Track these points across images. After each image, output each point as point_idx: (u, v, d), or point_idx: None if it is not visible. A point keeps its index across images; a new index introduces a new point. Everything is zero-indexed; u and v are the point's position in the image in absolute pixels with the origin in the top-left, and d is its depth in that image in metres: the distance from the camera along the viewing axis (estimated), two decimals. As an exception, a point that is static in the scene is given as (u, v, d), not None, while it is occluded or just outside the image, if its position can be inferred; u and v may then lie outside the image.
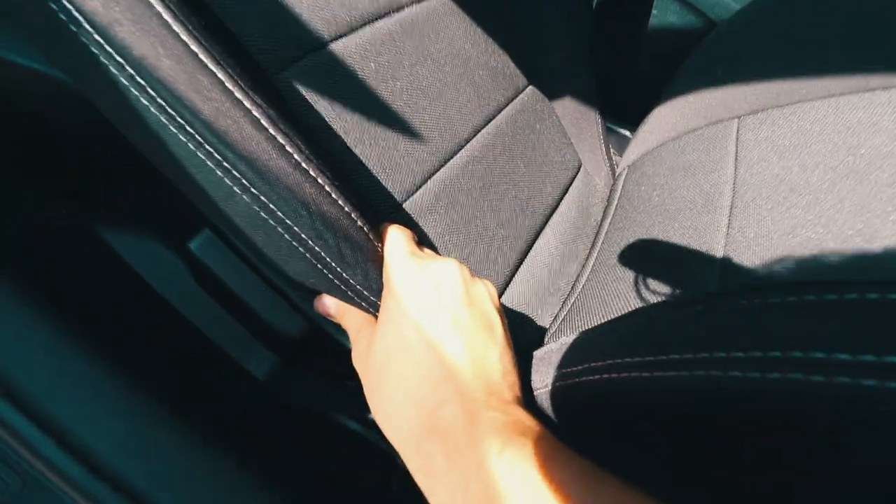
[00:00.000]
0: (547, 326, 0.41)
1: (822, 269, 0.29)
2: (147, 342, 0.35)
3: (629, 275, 0.37)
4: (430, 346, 0.22)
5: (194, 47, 0.20)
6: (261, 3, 0.30)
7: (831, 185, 0.34)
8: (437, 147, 0.39)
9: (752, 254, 0.32)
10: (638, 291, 0.34)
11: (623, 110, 0.56)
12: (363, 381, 0.24)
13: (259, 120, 0.21)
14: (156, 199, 0.31)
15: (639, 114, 0.55)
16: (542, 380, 0.29)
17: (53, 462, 0.26)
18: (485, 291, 0.26)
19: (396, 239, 0.26)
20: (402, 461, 0.22)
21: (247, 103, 0.21)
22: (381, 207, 0.34)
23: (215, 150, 0.20)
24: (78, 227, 0.34)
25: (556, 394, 0.27)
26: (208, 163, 0.21)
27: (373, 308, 0.26)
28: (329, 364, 0.32)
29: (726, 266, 0.32)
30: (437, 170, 0.38)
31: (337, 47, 0.34)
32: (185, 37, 0.20)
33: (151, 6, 0.19)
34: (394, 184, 0.35)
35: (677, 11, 0.52)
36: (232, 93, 0.21)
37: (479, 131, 0.43)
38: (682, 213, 0.40)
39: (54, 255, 0.35)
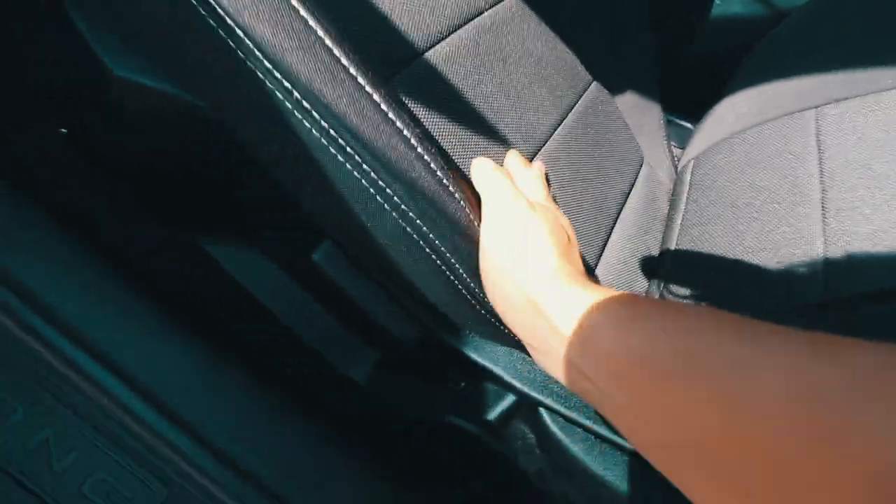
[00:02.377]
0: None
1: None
2: (251, 344, 0.36)
3: (724, 276, 0.38)
4: (523, 238, 0.24)
5: (353, 71, 0.21)
6: (366, 18, 0.31)
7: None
8: (521, 149, 0.39)
9: (854, 251, 0.32)
10: (746, 292, 0.34)
11: (684, 102, 0.56)
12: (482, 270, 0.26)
13: (409, 139, 0.22)
14: (270, 219, 0.32)
15: (698, 106, 0.55)
16: None
17: (199, 465, 0.28)
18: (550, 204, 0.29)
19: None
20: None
21: (398, 123, 0.22)
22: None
23: (372, 169, 0.21)
24: (188, 242, 0.35)
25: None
26: (363, 181, 0.22)
27: (497, 321, 0.27)
28: (436, 367, 0.33)
29: (831, 264, 0.32)
30: (522, 172, 0.39)
31: (430, 56, 0.34)
32: (345, 61, 0.21)
33: (315, 32, 0.20)
34: (487, 188, 0.36)
35: (741, 2, 0.51)
36: (386, 114, 0.21)
37: (554, 130, 0.43)
38: (768, 207, 0.40)
39: (168, 266, 0.36)
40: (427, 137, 0.23)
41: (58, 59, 0.28)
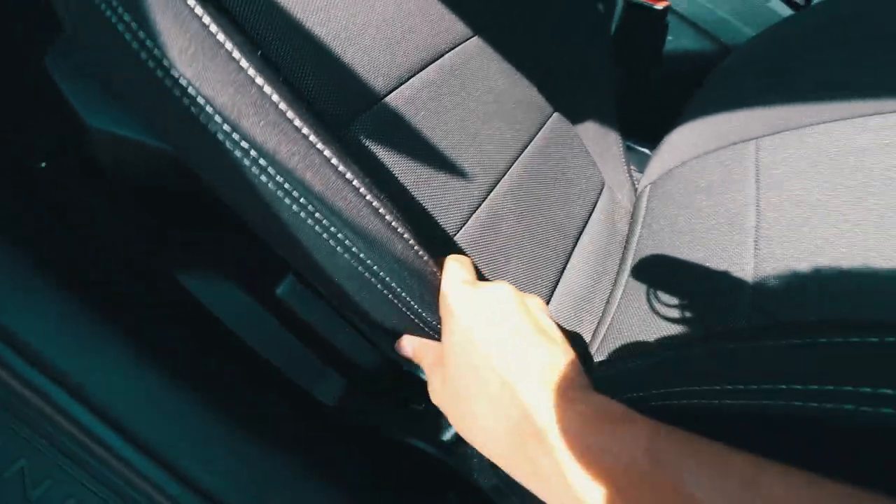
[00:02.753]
0: (588, 341, 0.44)
1: (850, 292, 0.32)
2: (224, 374, 0.38)
3: (663, 297, 0.40)
4: (501, 361, 0.24)
5: (305, 131, 0.23)
6: (323, 66, 0.33)
7: (850, 205, 0.37)
8: (481, 180, 0.42)
9: (782, 274, 0.35)
10: (672, 315, 0.37)
11: (641, 130, 0.59)
12: (447, 413, 0.27)
13: (359, 188, 0.24)
14: (237, 250, 0.35)
15: (656, 133, 0.58)
16: None
17: (153, 480, 0.29)
18: (536, 303, 0.28)
19: (454, 269, 0.28)
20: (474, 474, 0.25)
21: (348, 175, 0.24)
22: (437, 241, 0.37)
23: (324, 217, 0.24)
24: (157, 269, 0.37)
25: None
26: (316, 227, 0.24)
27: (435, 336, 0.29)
28: (396, 390, 0.35)
29: (758, 288, 0.35)
30: (482, 202, 0.41)
31: (390, 100, 0.37)
32: (297, 122, 0.23)
33: (270, 97, 0.22)
34: (446, 220, 0.38)
35: (692, 37, 0.55)
36: (336, 167, 0.24)
37: (514, 161, 0.46)
38: (709, 234, 0.43)
39: (135, 289, 0.38)
40: (376, 185, 0.26)
41: (35, 110, 0.30)
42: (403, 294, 0.27)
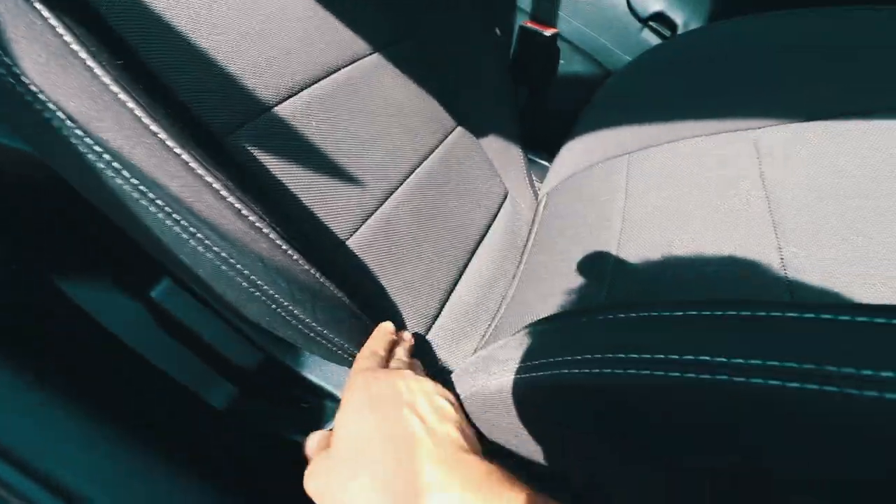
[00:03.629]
0: (477, 342, 0.47)
1: (690, 286, 0.37)
2: (105, 379, 0.37)
3: (543, 293, 0.44)
4: (392, 437, 0.24)
5: (162, 136, 0.24)
6: (208, 76, 0.34)
7: (694, 209, 0.43)
8: (374, 188, 0.44)
9: (634, 267, 0.40)
10: (547, 303, 0.41)
11: (541, 143, 0.64)
12: (322, 490, 0.25)
13: (219, 191, 0.26)
14: (113, 251, 0.35)
15: (554, 146, 0.63)
16: (472, 383, 0.35)
17: (19, 489, 0.29)
18: (430, 387, 0.29)
19: (363, 355, 0.30)
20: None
21: (208, 178, 0.26)
22: (326, 245, 0.39)
23: (183, 217, 0.25)
24: (33, 276, 0.36)
25: (496, 392, 0.33)
26: (175, 228, 0.25)
27: (324, 340, 0.31)
28: (284, 389, 0.36)
29: (614, 279, 0.39)
30: (376, 209, 0.44)
31: (281, 110, 0.38)
32: (154, 127, 0.24)
33: (125, 104, 0.24)
34: (337, 224, 0.40)
35: (580, 61, 0.61)
36: (194, 170, 0.25)
37: (413, 171, 0.49)
38: (585, 237, 0.47)
39: (10, 303, 0.37)
40: (241, 188, 0.27)
41: None
42: (271, 292, 0.28)
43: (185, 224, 0.25)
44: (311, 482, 0.25)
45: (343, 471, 0.24)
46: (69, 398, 0.35)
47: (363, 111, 0.46)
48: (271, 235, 0.28)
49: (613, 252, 0.43)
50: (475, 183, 0.57)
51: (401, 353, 0.34)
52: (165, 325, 0.34)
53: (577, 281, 0.42)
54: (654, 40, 0.60)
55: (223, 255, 0.26)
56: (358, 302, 0.35)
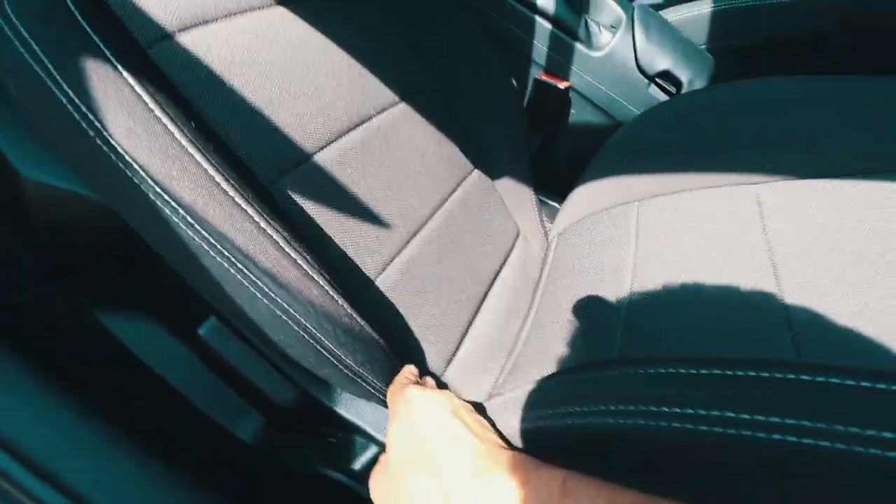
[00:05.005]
0: (496, 377, 0.49)
1: (700, 335, 0.39)
2: (141, 410, 0.39)
3: (559, 333, 0.46)
4: (436, 446, 0.28)
5: (231, 193, 0.27)
6: (257, 129, 0.37)
7: (701, 259, 0.45)
8: (401, 230, 0.47)
9: (645, 314, 0.42)
10: (562, 346, 0.43)
11: (552, 185, 0.68)
12: (386, 494, 0.29)
13: (278, 242, 0.28)
14: (158, 292, 0.37)
15: (565, 189, 0.67)
16: (505, 423, 0.37)
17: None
18: (467, 406, 0.33)
19: (405, 372, 0.35)
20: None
21: (269, 231, 0.28)
22: (357, 285, 0.41)
23: (246, 267, 0.27)
24: (74, 307, 0.38)
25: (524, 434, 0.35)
26: (238, 276, 0.27)
27: (361, 379, 0.33)
28: (315, 425, 0.38)
29: (627, 325, 0.42)
30: (402, 249, 0.46)
31: (319, 158, 0.41)
32: (224, 185, 0.27)
33: (200, 165, 0.26)
34: (366, 265, 0.42)
35: (591, 112, 0.65)
36: (258, 224, 0.28)
37: (434, 213, 0.52)
38: (598, 279, 0.50)
39: (51, 329, 0.38)
40: (295, 238, 0.29)
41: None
42: (319, 335, 0.30)
43: (247, 273, 0.27)
44: (375, 487, 0.30)
45: (402, 472, 0.28)
46: (97, 422, 0.36)
47: (392, 157, 0.48)
48: (321, 282, 0.30)
49: (626, 296, 0.45)
50: (490, 223, 0.60)
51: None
52: (204, 360, 0.36)
53: (592, 323, 0.44)
54: (660, 96, 0.64)
55: (279, 301, 0.28)
56: (388, 342, 0.37)
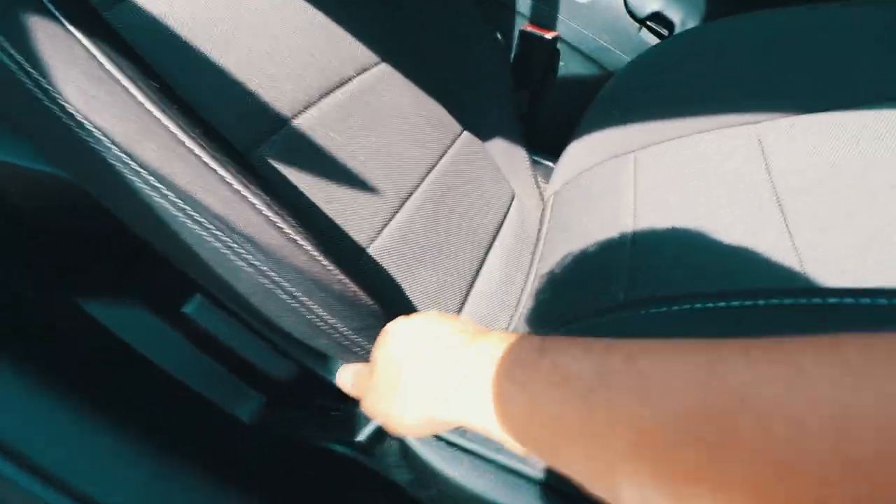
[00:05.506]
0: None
1: (702, 272, 0.38)
2: (138, 398, 0.37)
3: (562, 287, 0.45)
4: (426, 350, 0.25)
5: (198, 153, 0.25)
6: (227, 92, 0.35)
7: (705, 203, 0.44)
8: (391, 196, 0.45)
9: (651, 262, 0.41)
10: (566, 299, 0.41)
11: (545, 144, 0.65)
12: (375, 411, 0.27)
13: (256, 205, 0.26)
14: (142, 271, 0.35)
15: (558, 147, 0.64)
16: None
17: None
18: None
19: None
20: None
21: (245, 192, 0.26)
22: (349, 253, 0.39)
23: (222, 232, 0.25)
24: (61, 298, 0.37)
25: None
26: (215, 244, 0.26)
27: (358, 347, 0.31)
28: (315, 398, 0.37)
29: (632, 273, 0.40)
30: (394, 215, 0.44)
31: (298, 123, 0.39)
32: (190, 144, 0.25)
33: (165, 125, 0.24)
34: (358, 232, 0.41)
35: (581, 62, 0.62)
36: (231, 185, 0.26)
37: (425, 177, 0.50)
38: (598, 233, 0.48)
39: (40, 323, 0.37)
40: (276, 202, 0.28)
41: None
42: (310, 303, 0.29)
43: (225, 239, 0.26)
44: (368, 405, 0.27)
45: (390, 390, 0.25)
46: (94, 414, 0.35)
47: (375, 120, 0.46)
48: (307, 247, 0.28)
49: (627, 246, 0.44)
50: (483, 186, 0.58)
51: None
52: (196, 341, 0.35)
53: (596, 274, 0.43)
54: (652, 40, 0.61)
55: (263, 268, 0.27)
56: (385, 308, 0.36)
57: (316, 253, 0.29)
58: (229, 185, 0.25)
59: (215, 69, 0.34)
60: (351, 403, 0.36)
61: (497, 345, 0.21)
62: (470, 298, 0.48)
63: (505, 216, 0.59)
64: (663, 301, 0.36)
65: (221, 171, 0.25)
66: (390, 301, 0.41)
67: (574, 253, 0.49)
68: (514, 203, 0.62)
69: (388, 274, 0.42)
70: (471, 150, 0.58)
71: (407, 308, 0.42)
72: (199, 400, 0.38)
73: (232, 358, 0.34)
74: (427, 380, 0.24)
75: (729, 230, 0.40)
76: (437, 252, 0.47)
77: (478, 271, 0.51)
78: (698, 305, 0.31)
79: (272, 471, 0.38)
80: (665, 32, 0.60)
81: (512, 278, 0.53)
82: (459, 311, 0.47)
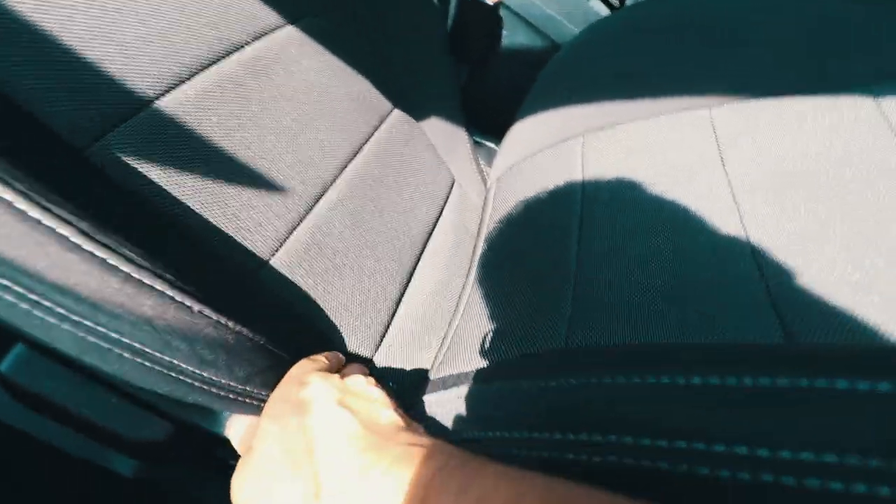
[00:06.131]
0: (435, 353, 0.43)
1: (655, 276, 0.34)
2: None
3: (501, 297, 0.40)
4: (320, 431, 0.23)
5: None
6: (65, 75, 0.26)
7: (656, 196, 0.40)
8: (300, 194, 0.37)
9: (598, 265, 0.37)
10: (507, 313, 0.37)
11: (488, 124, 0.59)
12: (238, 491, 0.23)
13: (68, 238, 0.18)
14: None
15: (502, 126, 0.58)
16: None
17: None
18: (362, 380, 0.27)
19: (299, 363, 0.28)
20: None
21: (48, 222, 0.18)
22: (244, 268, 0.32)
23: (14, 281, 0.17)
24: None
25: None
26: (7, 297, 0.18)
27: (249, 398, 0.25)
28: (204, 454, 0.30)
29: (577, 281, 0.36)
30: (303, 217, 0.37)
31: (164, 103, 0.30)
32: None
33: None
34: (255, 243, 0.33)
35: (525, 33, 0.56)
36: (25, 213, 0.18)
37: (345, 167, 0.42)
38: (543, 231, 0.43)
39: None
40: (104, 223, 0.20)
41: None
42: (168, 359, 0.21)
43: (20, 290, 0.18)
44: (238, 492, 0.23)
45: (268, 477, 0.22)
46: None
47: (279, 98, 0.38)
48: (157, 286, 0.21)
49: (574, 248, 0.39)
50: (418, 173, 0.51)
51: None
52: (29, 403, 0.26)
53: (539, 284, 0.38)
54: (603, 11, 0.55)
55: (87, 323, 0.19)
56: (288, 339, 0.29)
57: (171, 291, 0.21)
58: (12, 206, 0.17)
59: (45, 40, 0.25)
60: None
61: (400, 469, 0.20)
62: (399, 311, 0.42)
63: (442, 209, 0.53)
64: (594, 368, 0.30)
65: (9, 196, 0.17)
66: (304, 319, 0.35)
67: (518, 253, 0.44)
68: (453, 191, 0.56)
69: (299, 290, 0.35)
70: (403, 131, 0.51)
71: (322, 329, 0.35)
72: (70, 458, 0.30)
73: (80, 424, 0.26)
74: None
75: (682, 227, 0.37)
76: (359, 257, 0.40)
77: (409, 277, 0.45)
78: (636, 380, 0.26)
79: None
80: (617, 3, 0.55)
81: (450, 281, 0.48)
82: (388, 325, 0.41)
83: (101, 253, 0.19)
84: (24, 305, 0.18)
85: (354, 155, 0.44)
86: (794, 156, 0.37)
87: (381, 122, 0.49)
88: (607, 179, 0.44)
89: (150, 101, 0.29)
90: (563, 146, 0.50)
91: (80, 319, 0.19)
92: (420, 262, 0.47)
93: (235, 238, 0.32)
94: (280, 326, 0.30)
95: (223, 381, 0.24)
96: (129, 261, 0.20)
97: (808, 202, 0.33)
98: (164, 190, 0.29)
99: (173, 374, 0.22)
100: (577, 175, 0.46)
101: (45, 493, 0.31)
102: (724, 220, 0.35)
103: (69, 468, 0.30)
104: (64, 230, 0.18)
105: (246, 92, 0.35)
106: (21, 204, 0.17)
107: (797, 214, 0.34)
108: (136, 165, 0.28)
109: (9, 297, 0.18)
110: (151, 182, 0.28)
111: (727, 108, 0.43)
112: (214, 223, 0.31)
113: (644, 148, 0.44)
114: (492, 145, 0.61)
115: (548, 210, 0.45)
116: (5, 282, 0.17)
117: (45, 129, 0.24)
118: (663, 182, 0.41)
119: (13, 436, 0.29)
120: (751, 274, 0.31)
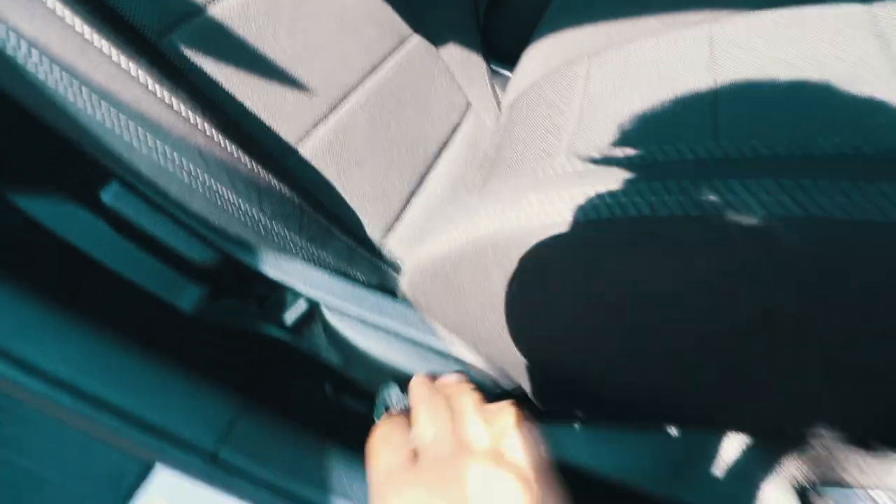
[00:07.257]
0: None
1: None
2: (81, 290, 0.39)
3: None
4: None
5: (69, 22, 0.24)
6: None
7: (646, 109, 0.43)
8: (324, 95, 0.44)
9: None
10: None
11: (505, 52, 0.63)
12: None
13: (145, 84, 0.26)
14: (58, 161, 0.35)
15: (517, 55, 0.62)
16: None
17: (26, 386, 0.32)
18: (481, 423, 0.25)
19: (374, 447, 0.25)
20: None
21: (130, 68, 0.26)
22: (274, 150, 0.39)
23: (111, 108, 0.26)
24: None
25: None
26: (105, 123, 0.26)
27: (275, 235, 0.33)
28: (253, 287, 0.39)
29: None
30: (327, 115, 0.44)
31: (215, 11, 0.37)
32: (75, 23, 0.24)
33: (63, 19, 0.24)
34: (285, 130, 0.40)
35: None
36: (111, 58, 0.25)
37: (365, 79, 0.49)
38: (538, 146, 0.48)
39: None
40: (170, 81, 0.27)
41: None
42: (212, 183, 0.29)
43: (114, 115, 0.26)
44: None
45: None
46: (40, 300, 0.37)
47: (307, 15, 0.44)
48: (204, 127, 0.28)
49: (563, 154, 0.44)
50: (435, 94, 0.57)
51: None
52: (124, 232, 0.36)
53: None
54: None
55: (159, 147, 0.27)
56: (311, 202, 0.37)
57: (215, 135, 0.29)
58: (108, 58, 0.25)
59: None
60: (280, 289, 0.38)
61: None
62: (411, 205, 0.49)
63: (456, 129, 0.58)
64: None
65: (100, 44, 0.25)
66: (322, 202, 0.42)
67: (518, 169, 0.49)
68: (468, 114, 0.61)
69: (321, 176, 0.42)
70: (421, 55, 0.56)
71: (340, 212, 0.42)
72: (139, 292, 0.40)
73: (161, 248, 0.35)
74: None
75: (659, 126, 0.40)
76: (375, 158, 0.47)
77: (421, 181, 0.51)
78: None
79: (211, 354, 0.41)
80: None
81: (456, 192, 0.53)
82: (398, 217, 0.47)
83: (167, 96, 0.27)
84: (116, 129, 0.26)
85: (374, 70, 0.50)
86: (783, 59, 0.38)
87: (400, 44, 0.54)
88: (605, 97, 0.47)
89: (202, 8, 0.37)
90: (569, 68, 0.53)
91: (154, 143, 0.27)
92: (430, 173, 0.53)
93: (268, 125, 0.39)
94: (306, 197, 0.38)
95: (252, 211, 0.31)
96: (185, 105, 0.28)
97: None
98: (213, 81, 0.36)
99: (216, 200, 0.30)
100: (578, 95, 0.49)
101: (121, 317, 0.40)
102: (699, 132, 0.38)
103: (146, 302, 0.40)
104: (142, 77, 0.26)
105: (278, 7, 0.42)
106: (113, 53, 0.25)
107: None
108: (190, 59, 0.35)
109: (106, 121, 0.26)
110: (203, 74, 0.36)
111: (726, 21, 0.45)
112: (251, 110, 0.38)
113: (642, 65, 0.47)
114: (508, 73, 0.65)
115: (545, 130, 0.49)
116: (103, 107, 0.25)
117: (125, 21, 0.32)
118: (656, 96, 0.44)
119: (99, 271, 0.39)
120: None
